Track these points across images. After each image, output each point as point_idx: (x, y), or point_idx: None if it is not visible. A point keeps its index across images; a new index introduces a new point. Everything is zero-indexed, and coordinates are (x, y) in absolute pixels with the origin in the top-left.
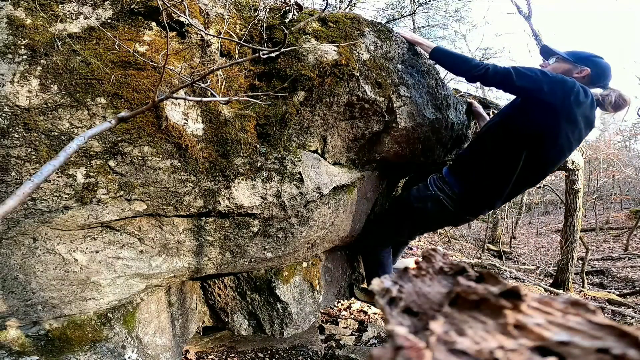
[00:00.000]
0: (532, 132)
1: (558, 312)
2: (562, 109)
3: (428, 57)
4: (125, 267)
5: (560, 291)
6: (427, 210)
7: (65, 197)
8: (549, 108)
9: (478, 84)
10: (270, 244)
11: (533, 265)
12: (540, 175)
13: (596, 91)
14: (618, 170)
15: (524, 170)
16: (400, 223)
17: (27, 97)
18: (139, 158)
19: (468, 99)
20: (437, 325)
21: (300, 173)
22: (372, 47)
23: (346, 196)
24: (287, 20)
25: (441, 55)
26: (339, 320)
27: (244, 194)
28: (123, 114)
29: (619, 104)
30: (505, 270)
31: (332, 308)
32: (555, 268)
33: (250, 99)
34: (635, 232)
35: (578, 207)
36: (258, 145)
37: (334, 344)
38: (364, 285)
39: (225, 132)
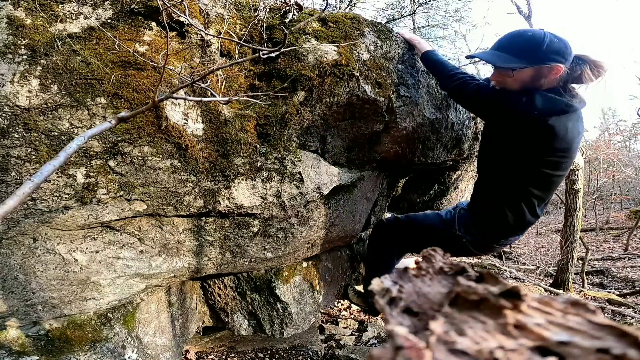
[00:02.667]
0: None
1: (558, 312)
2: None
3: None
4: (125, 267)
5: (560, 291)
6: (453, 247)
7: (65, 197)
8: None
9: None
10: (270, 244)
11: (533, 265)
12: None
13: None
14: (618, 170)
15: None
16: (427, 243)
17: (27, 97)
18: (139, 158)
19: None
20: (437, 325)
21: (300, 173)
22: (372, 47)
23: (346, 196)
24: (287, 20)
25: (425, 62)
26: (339, 320)
27: (244, 194)
28: (123, 114)
29: (595, 73)
30: (505, 270)
31: (332, 308)
32: (555, 268)
33: (250, 99)
34: (635, 232)
35: (578, 207)
36: (258, 145)
37: (334, 344)
38: (359, 288)
39: (225, 132)
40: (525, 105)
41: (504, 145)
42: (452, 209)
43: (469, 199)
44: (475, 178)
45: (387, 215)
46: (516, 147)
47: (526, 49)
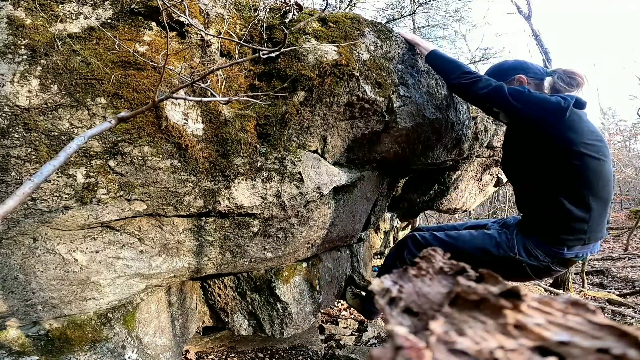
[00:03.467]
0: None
1: (558, 312)
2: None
3: (424, 59)
4: (125, 267)
5: (560, 291)
6: (508, 272)
7: (65, 197)
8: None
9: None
10: (270, 244)
11: None
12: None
13: (547, 82)
14: (618, 170)
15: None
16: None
17: (27, 97)
18: (139, 158)
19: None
20: (437, 325)
21: (300, 173)
22: (372, 47)
23: (346, 196)
24: (287, 20)
25: (435, 60)
26: (339, 320)
27: (244, 194)
28: (123, 114)
29: (566, 81)
30: None
31: (332, 308)
32: None
33: (250, 99)
34: (635, 232)
35: None
36: (258, 145)
37: (334, 344)
38: (357, 290)
39: (225, 132)
40: (551, 96)
41: (538, 145)
42: (500, 229)
43: (517, 216)
44: (514, 194)
45: (423, 232)
46: (550, 140)
47: (495, 72)
